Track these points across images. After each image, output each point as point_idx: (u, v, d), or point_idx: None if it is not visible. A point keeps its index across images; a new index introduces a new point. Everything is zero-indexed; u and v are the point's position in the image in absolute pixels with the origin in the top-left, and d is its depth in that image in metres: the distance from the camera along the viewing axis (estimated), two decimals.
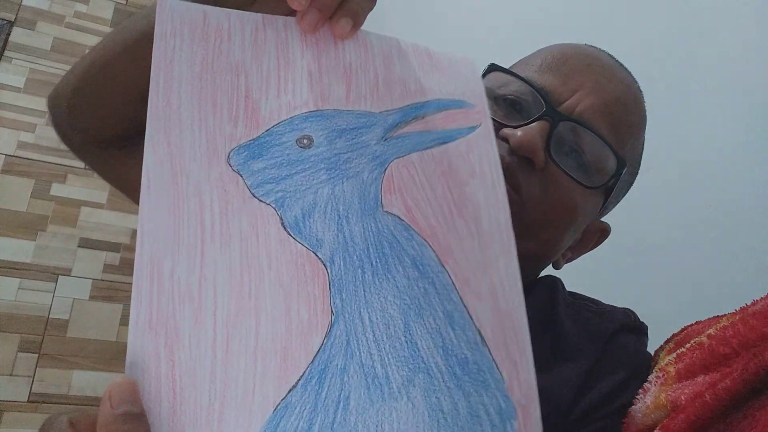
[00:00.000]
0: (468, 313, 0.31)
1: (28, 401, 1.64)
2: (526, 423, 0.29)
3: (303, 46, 0.33)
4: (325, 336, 0.28)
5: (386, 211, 0.31)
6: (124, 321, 1.80)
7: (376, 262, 0.30)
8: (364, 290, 0.29)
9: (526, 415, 0.29)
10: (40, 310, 1.73)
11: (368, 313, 0.29)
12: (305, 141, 0.31)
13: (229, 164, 0.29)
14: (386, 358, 0.28)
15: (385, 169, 0.33)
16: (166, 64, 0.30)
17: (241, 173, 0.29)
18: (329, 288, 0.29)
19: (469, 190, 0.34)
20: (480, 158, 0.35)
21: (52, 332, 1.72)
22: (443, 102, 0.36)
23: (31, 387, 1.66)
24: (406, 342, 0.29)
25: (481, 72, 0.39)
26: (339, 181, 0.31)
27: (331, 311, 0.28)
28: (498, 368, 0.30)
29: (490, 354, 0.30)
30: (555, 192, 0.43)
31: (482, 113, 0.37)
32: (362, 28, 0.35)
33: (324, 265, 0.29)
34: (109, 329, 1.79)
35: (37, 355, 1.69)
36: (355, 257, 0.30)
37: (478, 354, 0.30)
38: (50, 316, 1.73)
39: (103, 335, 1.77)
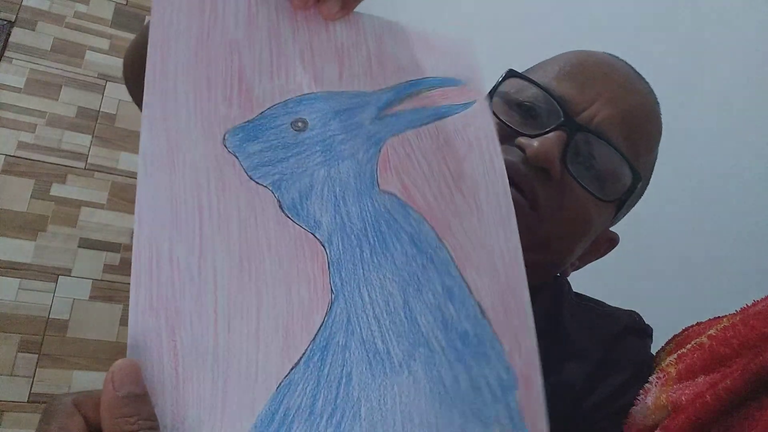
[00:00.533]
0: (467, 286, 0.31)
1: (28, 401, 1.64)
2: (528, 393, 0.29)
3: (294, 29, 0.34)
4: (326, 314, 0.28)
5: (383, 190, 0.32)
6: (124, 321, 1.80)
7: (374, 240, 0.30)
8: (362, 268, 0.29)
9: (528, 384, 0.30)
10: (40, 310, 1.73)
11: (367, 290, 0.29)
12: (300, 124, 0.32)
13: (225, 145, 0.30)
14: (386, 334, 0.28)
15: (381, 148, 0.33)
16: (163, 40, 0.30)
17: (237, 155, 0.30)
18: (328, 267, 0.29)
19: (467, 164, 0.34)
20: (477, 132, 0.35)
21: (52, 332, 1.72)
22: (438, 79, 0.36)
23: (31, 387, 1.66)
24: (406, 317, 0.29)
25: (477, 51, 0.38)
26: (335, 163, 0.31)
27: (331, 290, 0.28)
28: (499, 340, 0.30)
29: (491, 326, 0.30)
30: (570, 204, 0.43)
31: (478, 90, 0.37)
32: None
33: (323, 245, 0.29)
34: (109, 329, 1.79)
35: (37, 355, 1.69)
36: (352, 236, 0.30)
37: (478, 327, 0.30)
38: (50, 316, 1.73)
39: (103, 335, 1.77)
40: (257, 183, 0.30)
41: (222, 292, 0.27)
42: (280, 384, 0.26)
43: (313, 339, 0.27)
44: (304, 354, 0.27)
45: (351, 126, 0.33)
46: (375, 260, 0.30)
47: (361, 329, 0.28)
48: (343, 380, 0.27)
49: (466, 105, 0.36)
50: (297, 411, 0.26)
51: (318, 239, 0.29)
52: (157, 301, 0.26)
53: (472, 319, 0.30)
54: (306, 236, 0.29)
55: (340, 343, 0.27)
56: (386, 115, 0.34)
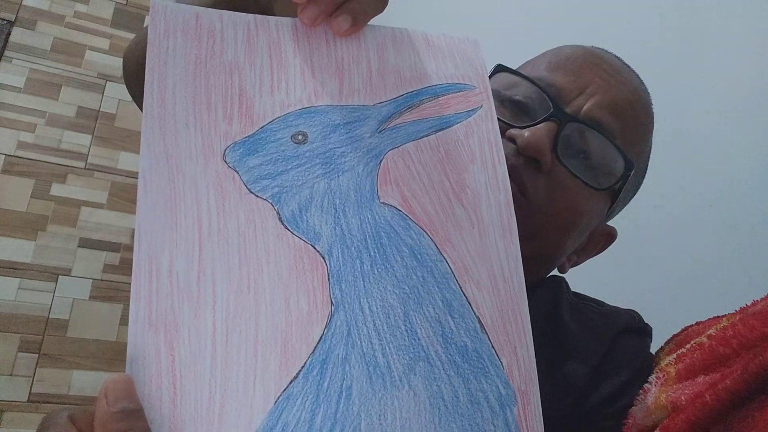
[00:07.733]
0: (467, 300, 0.31)
1: (28, 401, 1.64)
2: (525, 408, 0.30)
3: (295, 45, 0.34)
4: (326, 326, 0.28)
5: (383, 203, 0.32)
6: (124, 321, 1.80)
7: (374, 252, 0.30)
8: (363, 280, 0.29)
9: (525, 400, 0.30)
10: (40, 310, 1.73)
11: (368, 302, 0.29)
12: (300, 137, 0.32)
13: (225, 161, 0.30)
14: (387, 347, 0.28)
15: (381, 161, 0.33)
16: (160, 65, 0.30)
17: (237, 170, 0.30)
18: (328, 279, 0.29)
19: (469, 175, 0.34)
20: (480, 141, 0.35)
21: (52, 332, 1.72)
22: (439, 88, 0.36)
23: (31, 387, 1.66)
24: (406, 330, 0.29)
25: (483, 51, 0.38)
26: (335, 176, 0.31)
27: (331, 302, 0.28)
28: (497, 355, 0.30)
29: (490, 341, 0.30)
30: (562, 194, 0.43)
31: (483, 94, 0.36)
32: None
33: (322, 257, 0.29)
34: (109, 329, 1.79)
35: (37, 355, 1.69)
36: (353, 249, 0.30)
37: (477, 341, 0.30)
38: (50, 316, 1.73)
39: (103, 335, 1.77)
40: (257, 196, 0.29)
41: (220, 306, 0.27)
42: (278, 398, 0.26)
43: (313, 352, 0.27)
44: (303, 367, 0.26)
45: (351, 139, 0.33)
46: (375, 272, 0.30)
47: (361, 342, 0.28)
48: (343, 394, 0.26)
49: (470, 112, 0.36)
50: (296, 426, 0.25)
51: (318, 251, 0.29)
52: (156, 316, 0.26)
53: (471, 334, 0.30)
54: (306, 248, 0.29)
55: (340, 356, 0.27)
56: (386, 128, 0.34)
